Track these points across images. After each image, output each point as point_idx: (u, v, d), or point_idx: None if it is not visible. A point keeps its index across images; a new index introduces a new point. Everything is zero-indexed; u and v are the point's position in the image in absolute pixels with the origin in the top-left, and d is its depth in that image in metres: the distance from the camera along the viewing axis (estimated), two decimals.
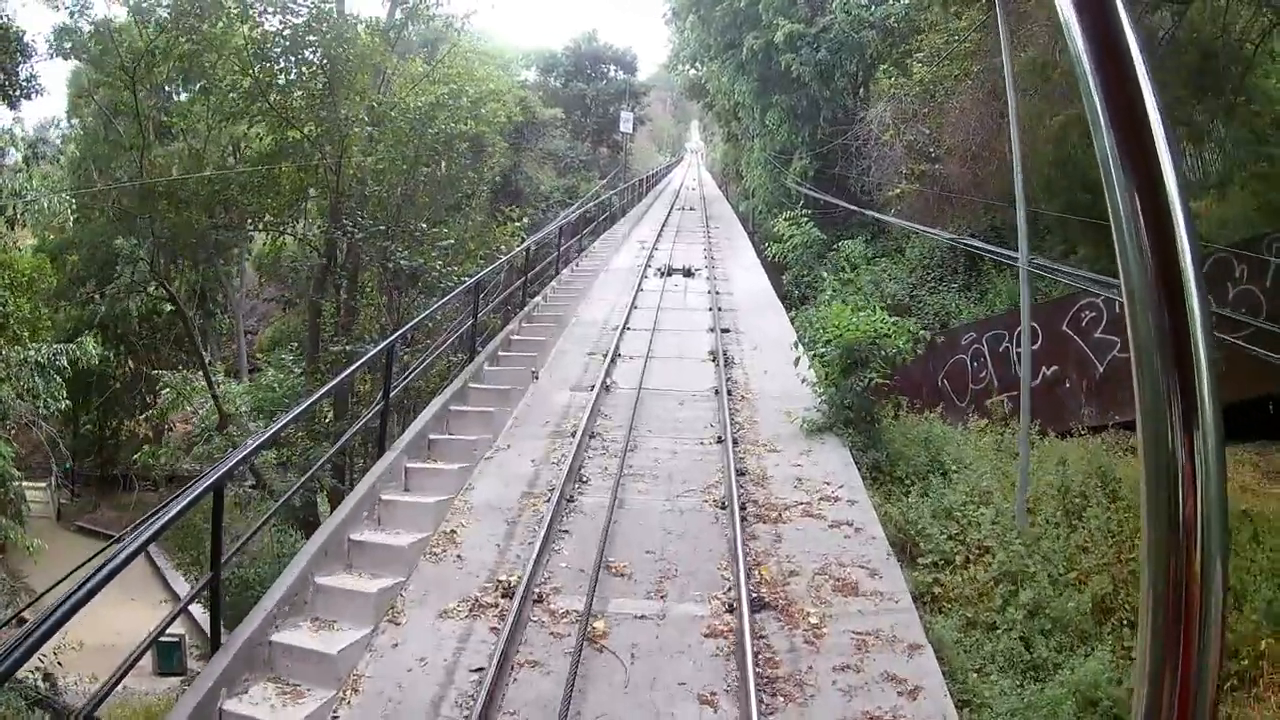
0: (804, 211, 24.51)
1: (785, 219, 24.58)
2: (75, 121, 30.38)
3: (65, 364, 13.68)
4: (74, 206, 15.48)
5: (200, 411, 18.73)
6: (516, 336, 12.36)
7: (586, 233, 23.31)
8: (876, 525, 7.14)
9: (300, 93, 17.48)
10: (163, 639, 13.17)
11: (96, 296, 26.00)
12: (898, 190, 19.48)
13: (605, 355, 12.01)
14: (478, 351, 10.97)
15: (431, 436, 8.73)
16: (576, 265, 18.81)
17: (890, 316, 10.73)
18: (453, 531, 7.11)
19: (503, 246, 19.00)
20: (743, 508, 7.35)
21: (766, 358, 12.09)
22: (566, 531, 7.14)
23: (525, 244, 15.53)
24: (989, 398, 13.98)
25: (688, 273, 18.76)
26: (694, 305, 15.72)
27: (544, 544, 6.70)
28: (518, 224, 20.96)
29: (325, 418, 16.19)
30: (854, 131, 23.72)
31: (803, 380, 9.86)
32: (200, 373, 19.30)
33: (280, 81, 17.38)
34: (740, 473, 8.12)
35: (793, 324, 15.79)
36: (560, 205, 32.83)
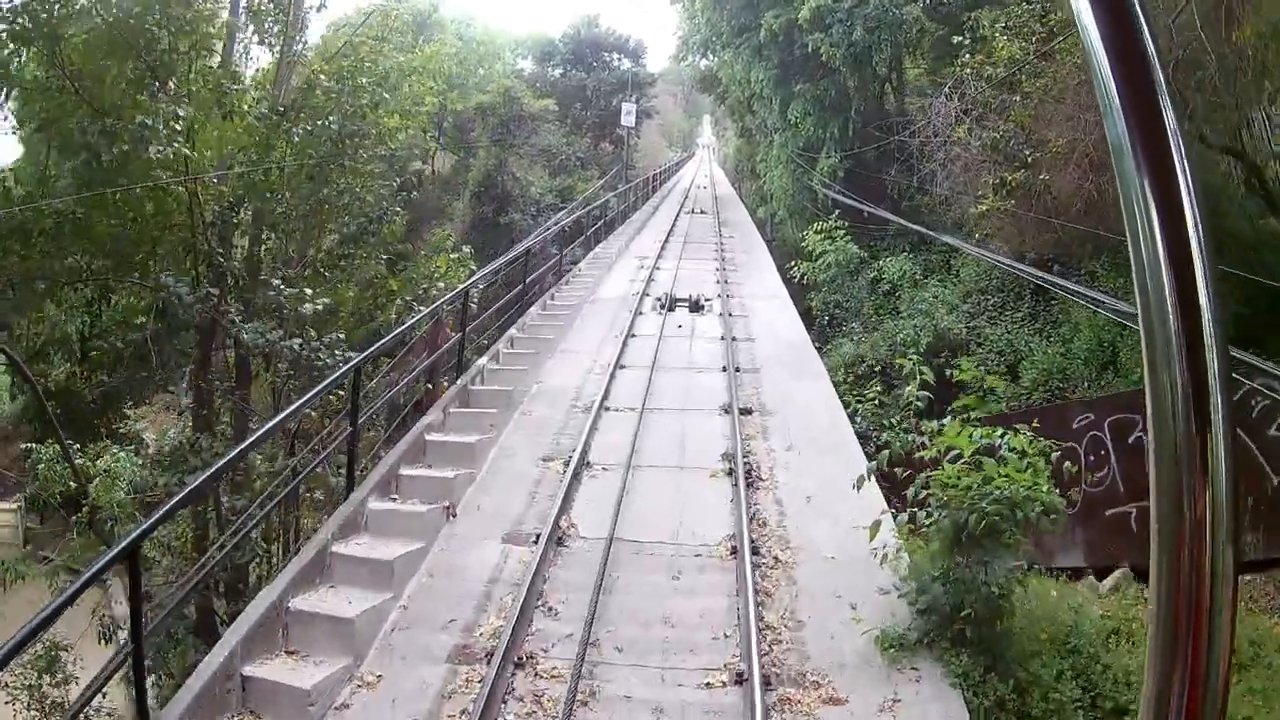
0: (838, 222, 20.51)
1: (816, 231, 20.59)
2: None
3: None
4: None
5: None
6: (437, 436, 8.38)
7: (574, 247, 19.40)
8: None
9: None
10: None
11: None
12: (982, 207, 15.31)
13: (567, 464, 8.09)
14: (357, 481, 7.03)
15: (245, 672, 4.91)
16: (553, 296, 14.88)
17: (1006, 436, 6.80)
18: None
19: (441, 284, 14.59)
20: None
21: (809, 464, 8.17)
22: None
23: (464, 285, 11.51)
24: (1112, 506, 10.01)
25: (695, 306, 14.84)
26: (702, 361, 11.78)
27: None
28: (452, 254, 16.40)
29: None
30: (909, 126, 19.53)
31: (875, 552, 5.90)
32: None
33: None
34: None
35: (834, 378, 11.97)
36: (551, 210, 28.94)
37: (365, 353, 7.77)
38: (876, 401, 8.37)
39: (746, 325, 13.56)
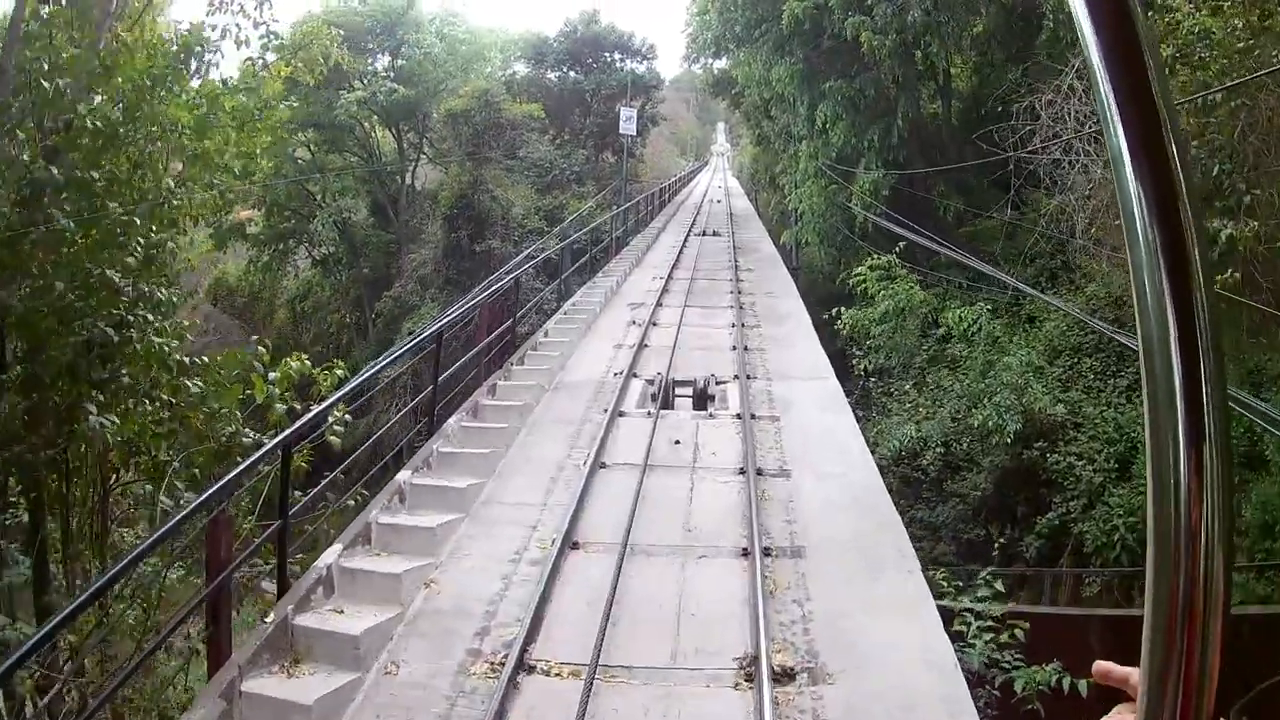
0: (895, 258, 15.80)
1: (871, 268, 15.90)
2: None
3: None
4: None
5: None
6: None
7: (544, 295, 14.82)
8: None
9: None
10: None
11: None
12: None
13: None
14: None
15: None
16: (493, 390, 10.18)
17: None
18: None
19: (282, 406, 8.93)
20: None
21: None
22: None
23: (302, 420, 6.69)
24: None
25: (702, 397, 10.22)
26: (707, 531, 7.09)
27: None
28: (294, 363, 9.49)
29: None
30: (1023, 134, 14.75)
31: None
32: None
33: None
34: None
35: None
36: (537, 234, 24.43)
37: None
38: None
39: (780, 440, 8.87)
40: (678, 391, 10.31)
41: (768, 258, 22.66)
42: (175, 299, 9.12)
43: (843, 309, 16.70)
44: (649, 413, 9.62)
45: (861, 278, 16.04)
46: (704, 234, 27.38)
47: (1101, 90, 0.65)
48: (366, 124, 37.48)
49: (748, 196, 50.58)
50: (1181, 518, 0.63)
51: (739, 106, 41.67)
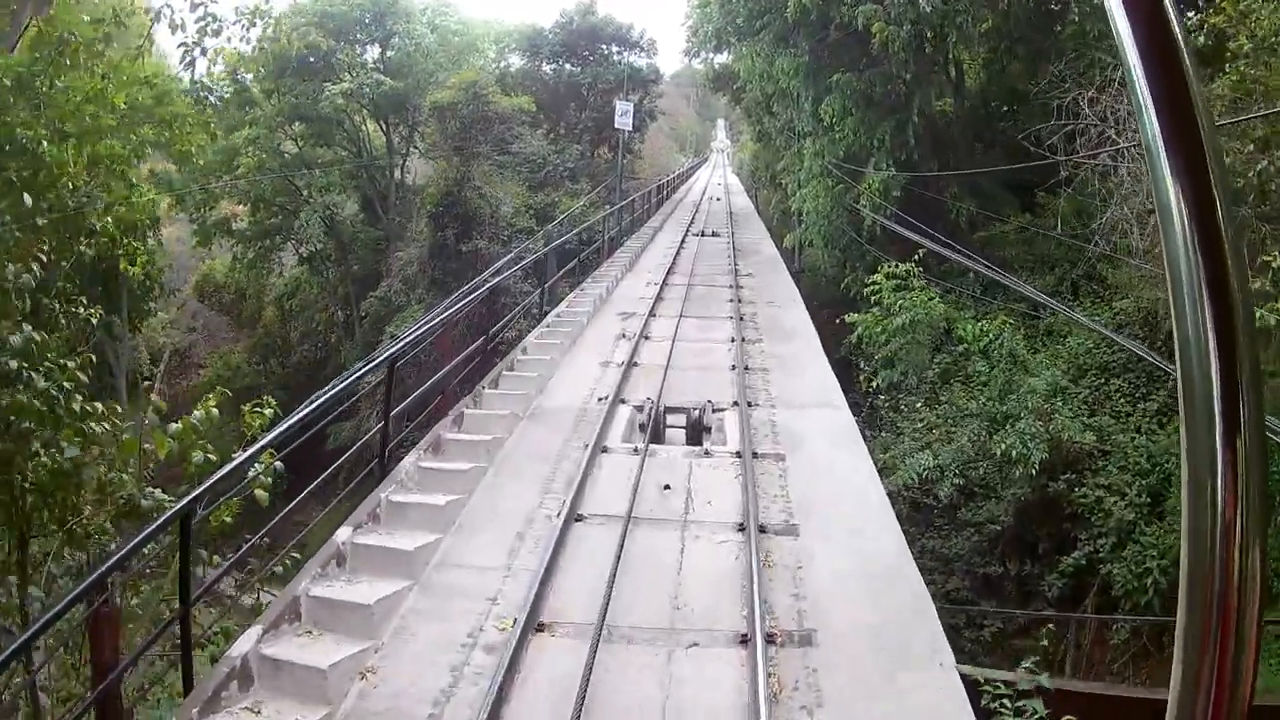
0: (914, 267, 14.61)
1: (887, 275, 14.71)
2: None
3: None
4: None
5: None
6: None
7: (530, 302, 13.66)
8: None
9: None
10: None
11: None
12: None
13: None
14: None
15: None
16: (459, 420, 8.98)
17: None
18: None
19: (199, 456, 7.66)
20: None
21: None
22: None
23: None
24: None
25: (697, 429, 9.07)
26: (698, 611, 5.89)
27: None
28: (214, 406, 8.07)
29: None
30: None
31: None
32: None
33: None
34: None
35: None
36: (527, 234, 23.23)
37: None
38: None
39: (785, 485, 7.71)
40: (670, 421, 9.14)
41: (769, 261, 21.47)
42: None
43: (854, 315, 15.48)
44: (636, 448, 8.45)
45: (876, 287, 14.84)
46: (702, 234, 26.19)
47: (1139, 92, 0.63)
48: (356, 118, 36.28)
49: (748, 194, 49.40)
50: (1218, 515, 0.62)
51: (740, 102, 40.47)
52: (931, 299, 14.43)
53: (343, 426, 27.95)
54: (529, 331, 13.24)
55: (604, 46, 38.14)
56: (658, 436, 8.88)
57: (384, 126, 35.48)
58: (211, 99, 36.38)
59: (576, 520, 7.14)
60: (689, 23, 35.36)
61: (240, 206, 38.60)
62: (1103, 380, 13.85)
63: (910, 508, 14.16)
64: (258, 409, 8.15)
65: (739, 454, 8.26)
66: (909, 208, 18.27)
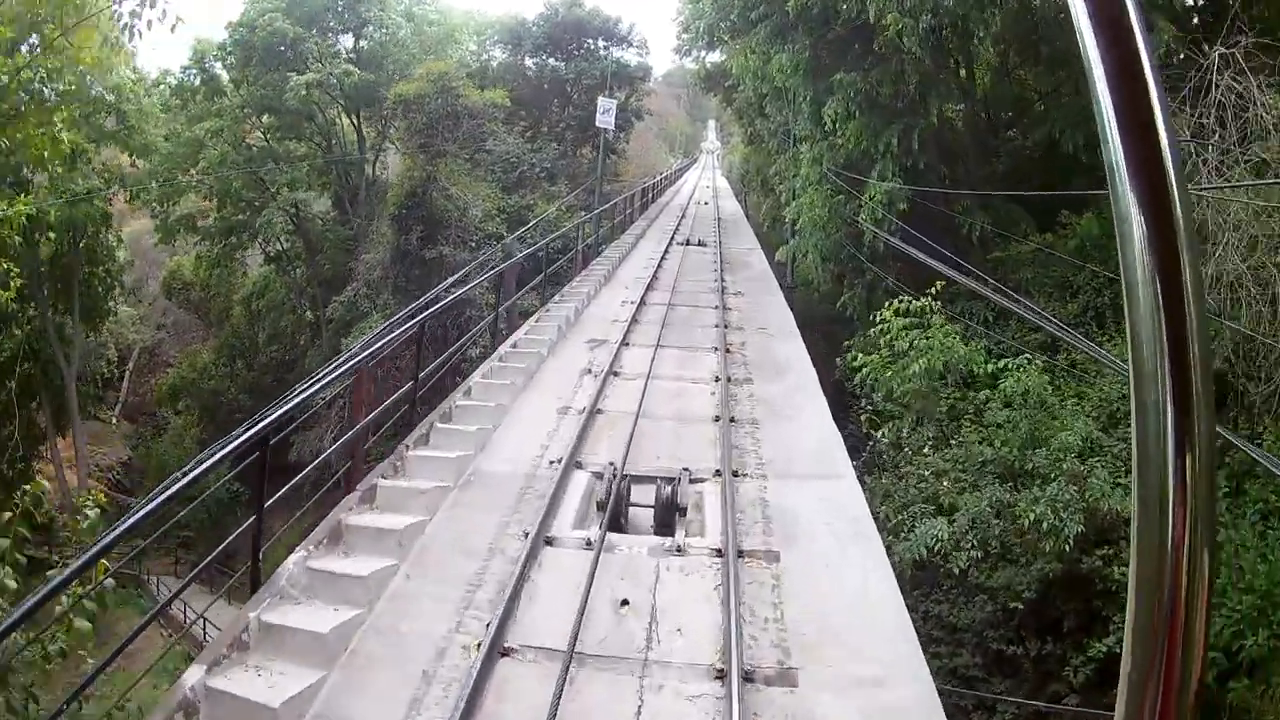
0: (931, 302, 12.80)
1: (897, 313, 12.88)
2: None
3: None
4: None
5: None
6: None
7: (462, 348, 11.78)
8: None
9: None
10: None
11: None
12: None
13: None
14: None
15: None
16: (369, 498, 7.07)
17: None
18: None
19: None
20: None
21: None
22: None
23: None
24: None
25: (669, 510, 7.17)
26: None
27: None
28: None
29: None
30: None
31: None
32: None
33: None
34: None
35: None
36: (496, 239, 21.31)
37: None
38: None
39: (780, 602, 5.84)
40: (635, 496, 7.28)
41: (760, 277, 19.66)
42: None
43: (858, 355, 13.58)
44: (588, 540, 6.59)
45: (885, 327, 13.00)
46: (687, 243, 24.35)
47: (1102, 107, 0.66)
48: (330, 111, 34.28)
49: (737, 198, 47.67)
50: (1167, 511, 0.64)
51: (731, 103, 38.79)
52: (951, 339, 12.60)
53: (306, 436, 26.00)
54: (492, 354, 11.38)
55: (590, 41, 36.25)
56: (619, 519, 7.03)
57: (355, 120, 33.45)
58: (169, 81, 34.35)
59: (501, 655, 5.30)
60: (680, 18, 33.65)
61: (207, 202, 36.51)
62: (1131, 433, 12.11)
63: (913, 566, 12.39)
64: (82, 504, 6.26)
65: (720, 552, 6.42)
66: (914, 221, 16.52)
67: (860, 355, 13.38)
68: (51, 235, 31.59)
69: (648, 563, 6.38)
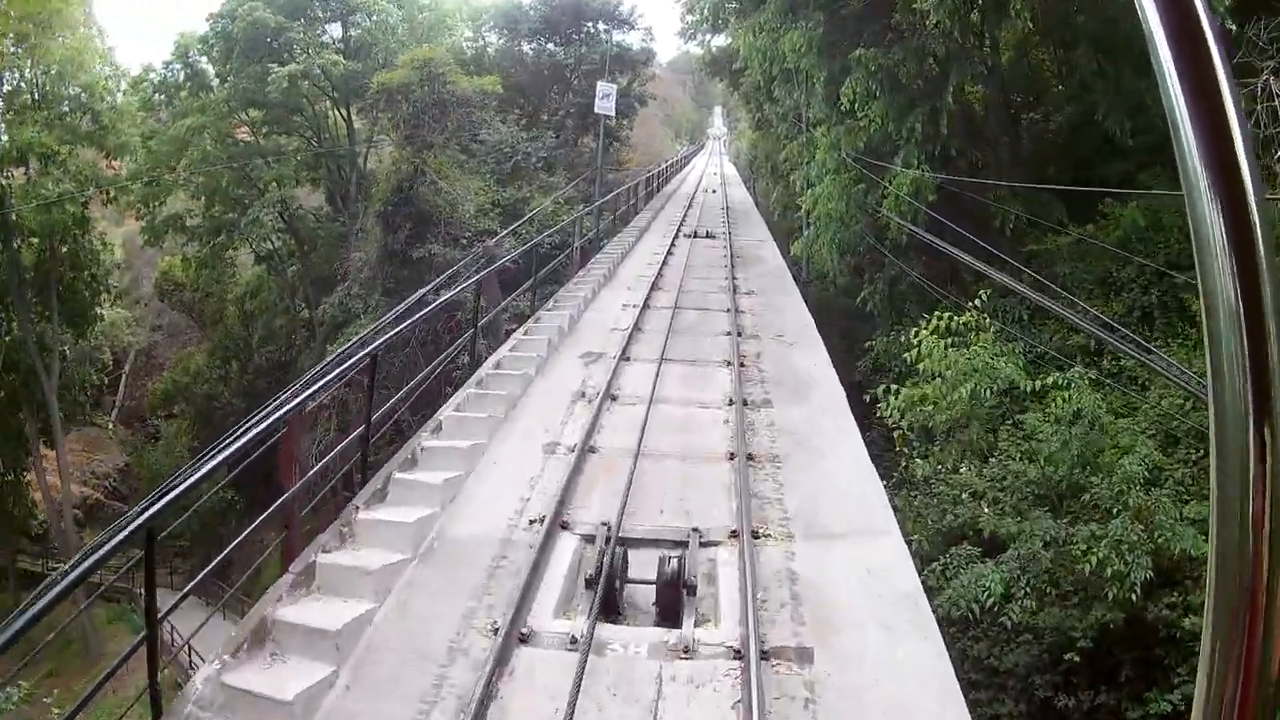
0: (978, 315, 11.33)
1: (932, 330, 11.40)
2: None
3: None
4: None
5: None
6: None
7: (437, 371, 10.42)
8: None
9: None
10: None
11: None
12: None
13: None
14: None
15: None
16: (306, 580, 5.69)
17: None
18: None
19: None
20: None
21: None
22: None
23: None
24: None
25: (674, 590, 5.79)
26: None
27: None
28: None
29: None
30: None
31: None
32: None
33: None
34: None
35: None
36: (489, 235, 19.93)
37: None
38: None
39: None
40: (632, 570, 5.93)
41: (774, 274, 18.21)
42: None
43: (895, 389, 11.94)
44: (573, 638, 5.23)
45: (920, 349, 11.41)
46: (695, 235, 22.92)
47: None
48: (319, 103, 32.89)
49: (745, 184, 46.10)
50: (1248, 501, 0.61)
51: (738, 88, 37.26)
52: (996, 358, 11.06)
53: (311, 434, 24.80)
54: (473, 373, 10.03)
55: (590, 24, 34.68)
56: (612, 604, 5.67)
57: (344, 112, 32.04)
58: (151, 77, 33.05)
59: None
60: (684, 1, 32.04)
61: (195, 201, 35.28)
62: (1202, 452, 10.63)
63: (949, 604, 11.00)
64: None
65: (739, 653, 5.06)
66: (941, 212, 15.03)
67: (892, 400, 11.87)
68: (34, 241, 30.42)
69: (647, 668, 5.01)
